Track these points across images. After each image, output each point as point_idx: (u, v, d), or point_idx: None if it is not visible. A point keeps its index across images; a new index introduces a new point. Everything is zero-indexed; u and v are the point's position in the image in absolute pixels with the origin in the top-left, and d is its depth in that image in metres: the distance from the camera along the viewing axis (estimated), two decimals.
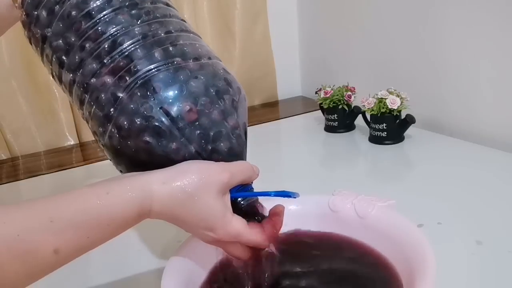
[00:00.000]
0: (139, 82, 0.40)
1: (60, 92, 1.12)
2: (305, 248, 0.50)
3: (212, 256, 0.47)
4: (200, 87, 0.41)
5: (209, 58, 0.44)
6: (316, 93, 1.03)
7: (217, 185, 0.39)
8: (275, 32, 1.35)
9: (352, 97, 0.97)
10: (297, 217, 0.52)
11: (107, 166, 0.99)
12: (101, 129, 0.42)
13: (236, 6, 1.25)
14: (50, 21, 0.42)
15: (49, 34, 0.43)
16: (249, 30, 1.29)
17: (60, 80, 0.45)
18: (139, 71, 0.40)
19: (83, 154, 1.10)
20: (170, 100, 0.40)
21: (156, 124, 0.40)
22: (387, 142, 0.88)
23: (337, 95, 0.97)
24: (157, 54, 0.41)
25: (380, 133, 0.88)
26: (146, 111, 0.40)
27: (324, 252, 0.49)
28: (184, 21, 0.47)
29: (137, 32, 0.41)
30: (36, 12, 0.43)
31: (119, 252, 0.59)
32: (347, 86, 0.99)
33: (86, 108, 0.43)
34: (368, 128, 0.92)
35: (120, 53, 0.41)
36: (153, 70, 0.40)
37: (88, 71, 0.41)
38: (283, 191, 0.43)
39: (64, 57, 0.43)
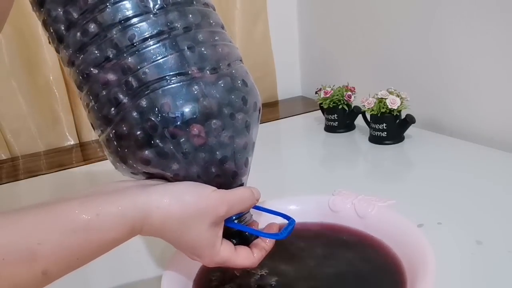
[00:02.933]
0: (146, 92, 0.36)
1: (60, 92, 1.12)
2: (307, 240, 0.50)
3: None
4: (213, 107, 0.37)
5: (229, 65, 0.40)
6: (316, 93, 1.03)
7: (212, 218, 0.37)
8: (275, 32, 1.35)
9: (352, 97, 0.97)
10: (297, 217, 0.52)
11: (107, 166, 0.99)
12: (98, 124, 0.39)
13: (236, 6, 1.25)
14: None
15: None
16: (249, 30, 1.29)
17: (58, 52, 0.40)
18: (148, 78, 0.36)
19: (83, 154, 1.10)
20: (178, 123, 0.36)
21: (159, 144, 0.36)
22: (387, 142, 0.88)
23: (337, 95, 0.97)
24: (171, 60, 0.36)
25: (380, 133, 0.88)
26: (149, 129, 0.36)
27: (325, 243, 0.49)
28: (207, 3, 0.42)
29: (151, 25, 0.36)
30: None
31: (118, 252, 0.59)
32: (347, 86, 0.99)
33: (84, 98, 0.39)
34: (368, 128, 0.92)
35: (128, 50, 0.36)
36: (164, 81, 0.36)
37: (90, 60, 0.36)
38: (277, 234, 0.43)
39: (64, 32, 0.37)
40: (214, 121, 0.37)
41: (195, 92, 0.36)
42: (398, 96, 0.86)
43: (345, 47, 1.22)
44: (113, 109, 0.37)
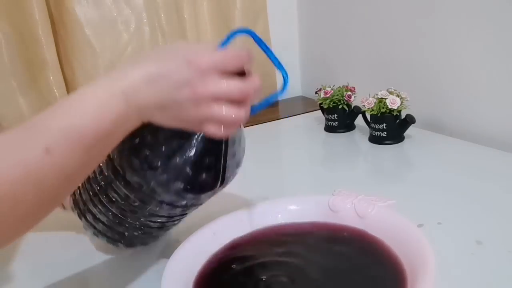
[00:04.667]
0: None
1: (60, 92, 1.12)
2: (307, 238, 0.50)
3: (210, 254, 0.47)
4: None
5: None
6: (316, 93, 1.03)
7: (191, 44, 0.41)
8: (275, 32, 1.34)
9: (352, 97, 0.97)
10: (297, 217, 0.52)
11: None
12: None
13: (236, 6, 1.25)
14: None
15: None
16: None
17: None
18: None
19: None
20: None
21: None
22: (387, 142, 0.88)
23: (337, 95, 0.97)
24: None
25: (380, 133, 0.88)
26: None
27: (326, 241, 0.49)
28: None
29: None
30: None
31: (118, 252, 0.59)
32: (347, 86, 0.99)
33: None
34: (368, 128, 0.92)
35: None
36: None
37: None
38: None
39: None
40: None
41: None
42: (398, 96, 0.86)
43: (345, 47, 1.22)
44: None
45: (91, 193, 0.50)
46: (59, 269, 0.57)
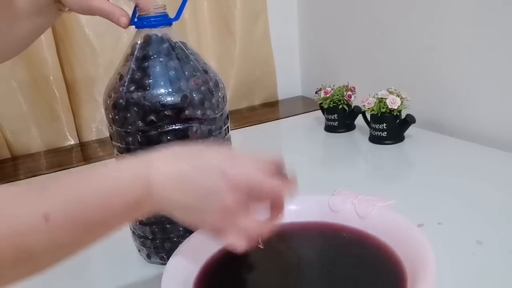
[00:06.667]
0: None
1: (60, 92, 1.12)
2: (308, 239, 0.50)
3: (210, 254, 0.47)
4: None
5: None
6: (316, 93, 1.03)
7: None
8: (275, 32, 1.34)
9: (352, 97, 0.97)
10: (298, 217, 0.52)
11: None
12: None
13: (236, 6, 1.25)
14: None
15: None
16: (249, 30, 1.29)
17: None
18: None
19: (83, 154, 1.10)
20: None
21: None
22: (387, 142, 0.88)
23: (337, 95, 0.97)
24: None
25: (380, 133, 0.88)
26: None
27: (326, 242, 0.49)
28: None
29: None
30: None
31: (118, 252, 0.59)
32: (347, 86, 0.99)
33: None
34: (368, 128, 0.92)
35: None
36: None
37: None
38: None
39: None
40: None
41: None
42: (398, 96, 0.86)
43: (345, 47, 1.22)
44: None
45: None
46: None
